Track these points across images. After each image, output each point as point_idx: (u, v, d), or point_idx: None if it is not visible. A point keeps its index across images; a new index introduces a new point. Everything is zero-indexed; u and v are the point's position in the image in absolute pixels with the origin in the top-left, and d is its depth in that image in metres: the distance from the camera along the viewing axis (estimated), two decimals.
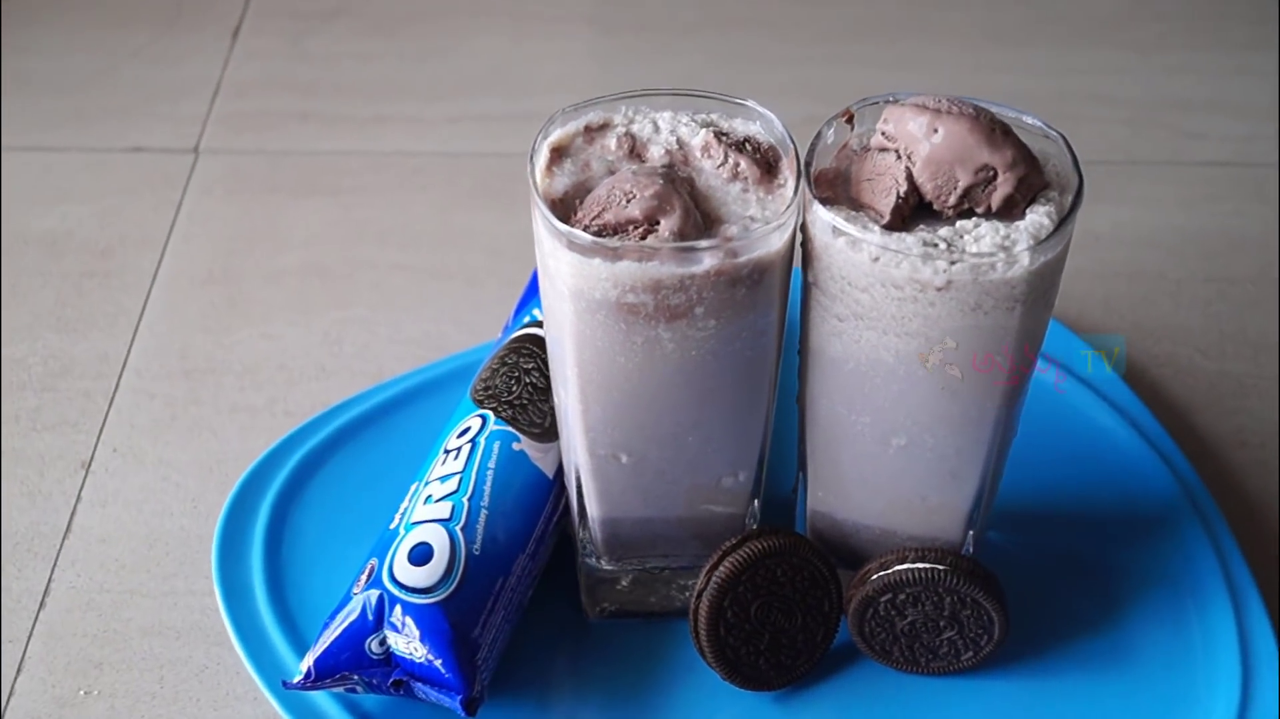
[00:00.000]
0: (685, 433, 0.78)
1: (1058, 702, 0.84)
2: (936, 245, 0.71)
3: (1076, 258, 1.10)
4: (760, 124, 0.77)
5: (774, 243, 0.72)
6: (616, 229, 0.72)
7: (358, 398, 0.98)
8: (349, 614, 0.79)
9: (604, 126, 0.77)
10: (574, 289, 0.72)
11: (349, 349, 1.06)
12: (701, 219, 0.73)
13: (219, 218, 1.18)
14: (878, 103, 0.77)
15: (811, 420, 0.80)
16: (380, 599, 0.78)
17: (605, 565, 0.85)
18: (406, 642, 0.78)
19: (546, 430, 0.87)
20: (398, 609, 0.78)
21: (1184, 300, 1.10)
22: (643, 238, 0.71)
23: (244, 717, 0.84)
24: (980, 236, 0.71)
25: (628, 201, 0.72)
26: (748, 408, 0.79)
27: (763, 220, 0.72)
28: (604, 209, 0.72)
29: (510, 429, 0.86)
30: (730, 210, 0.74)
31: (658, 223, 0.71)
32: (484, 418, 0.87)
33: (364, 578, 0.80)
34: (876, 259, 0.71)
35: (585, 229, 0.71)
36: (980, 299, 0.71)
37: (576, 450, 0.79)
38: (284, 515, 0.92)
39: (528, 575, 0.83)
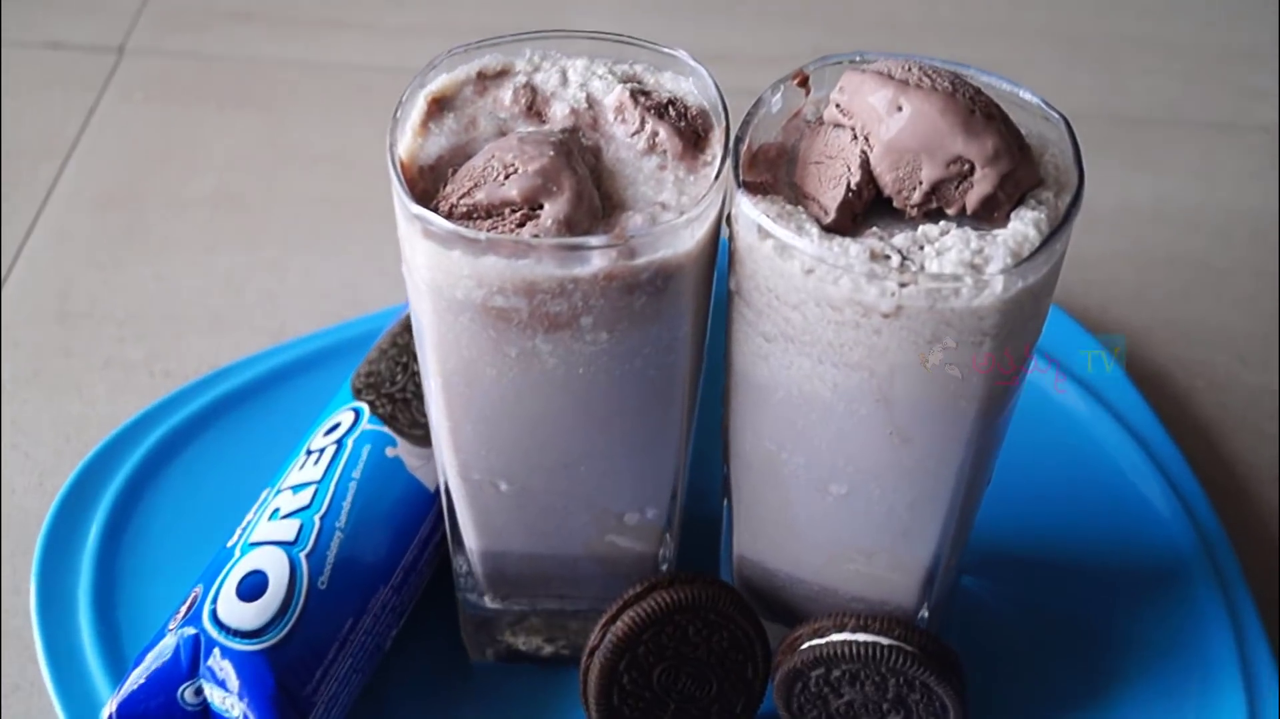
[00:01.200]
0: (576, 462, 0.63)
1: None
2: (887, 258, 0.55)
3: (1106, 238, 0.94)
4: (692, 82, 0.62)
5: (684, 241, 0.57)
6: (490, 211, 0.57)
7: (242, 363, 0.85)
8: (160, 655, 0.65)
9: (501, 74, 0.62)
10: (432, 284, 0.57)
11: (251, 298, 0.92)
12: (600, 203, 0.58)
13: (133, 128, 1.04)
14: (840, 63, 0.61)
15: (736, 454, 0.65)
16: (195, 641, 0.64)
17: (488, 604, 0.70)
18: (224, 696, 0.64)
19: (430, 435, 0.72)
20: (216, 653, 0.64)
21: (1228, 296, 0.93)
22: (520, 224, 0.56)
23: None
24: (945, 249, 0.56)
25: (506, 177, 0.57)
26: (654, 438, 0.64)
27: (675, 209, 0.57)
28: (476, 185, 0.57)
29: (385, 430, 0.71)
30: (639, 192, 0.59)
31: (540, 207, 0.56)
32: (358, 413, 0.72)
33: (184, 610, 0.66)
34: (810, 271, 0.56)
35: (452, 209, 0.56)
36: (938, 331, 0.56)
37: (447, 473, 0.65)
38: (131, 505, 0.78)
39: (390, 613, 0.69)
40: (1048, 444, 0.81)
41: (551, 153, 0.57)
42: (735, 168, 0.58)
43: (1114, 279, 0.93)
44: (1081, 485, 0.80)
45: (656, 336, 0.59)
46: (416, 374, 0.74)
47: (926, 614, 0.69)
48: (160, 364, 0.88)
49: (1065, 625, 0.75)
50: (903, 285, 0.55)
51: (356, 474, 0.70)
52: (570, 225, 0.56)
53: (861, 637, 0.66)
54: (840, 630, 0.66)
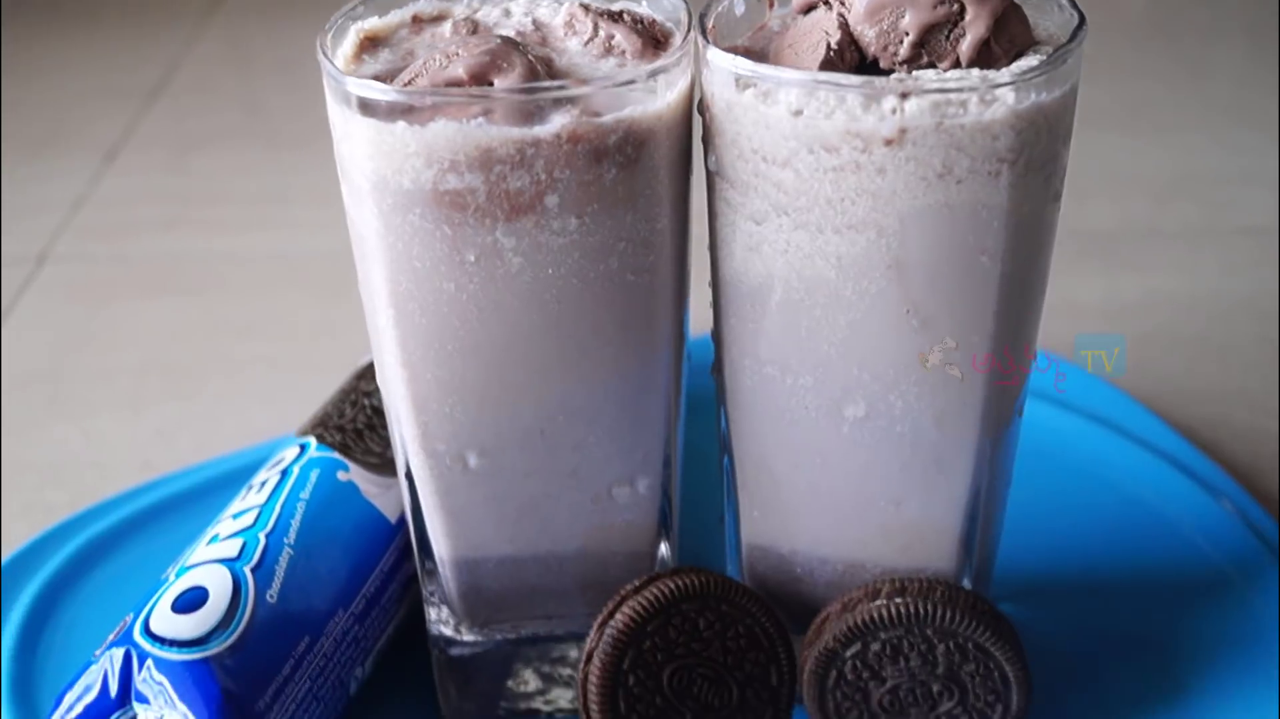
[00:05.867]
0: (553, 412, 0.55)
1: None
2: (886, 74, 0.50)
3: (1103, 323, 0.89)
4: (647, 5, 0.56)
5: (652, 102, 0.51)
6: None
7: (155, 483, 0.76)
8: (85, 689, 0.55)
9: (438, 18, 0.57)
10: (375, 178, 0.51)
11: (185, 444, 0.83)
12: None
13: (54, 321, 0.98)
14: None
15: (733, 395, 0.57)
16: (126, 658, 0.54)
17: (465, 636, 0.61)
18: (160, 713, 0.54)
19: (387, 462, 0.64)
20: (149, 667, 0.54)
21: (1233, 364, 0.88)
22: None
23: None
24: (945, 77, 0.50)
25: (449, 61, 0.51)
26: (640, 374, 0.56)
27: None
28: (418, 75, 0.51)
29: (336, 456, 0.63)
30: None
31: (490, 84, 0.50)
32: (303, 446, 0.64)
33: (111, 637, 0.56)
34: (799, 112, 0.50)
35: None
36: (949, 159, 0.49)
37: (409, 451, 0.56)
38: (47, 610, 0.68)
39: (352, 643, 0.59)
40: (1075, 474, 0.74)
41: (499, 40, 0.52)
42: (704, 32, 0.53)
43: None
44: (1118, 505, 0.72)
45: (633, 228, 0.53)
46: (368, 407, 0.67)
47: (971, 586, 0.60)
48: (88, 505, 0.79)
49: (1120, 636, 0.66)
50: (904, 97, 0.49)
51: (305, 495, 0.61)
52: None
53: (900, 600, 0.57)
54: (874, 599, 0.57)
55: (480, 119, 0.50)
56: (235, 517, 0.60)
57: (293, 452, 0.64)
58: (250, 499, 0.61)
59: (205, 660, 0.54)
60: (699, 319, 0.58)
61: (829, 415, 0.56)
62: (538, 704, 0.63)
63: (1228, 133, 1.19)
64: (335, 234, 1.04)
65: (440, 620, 0.61)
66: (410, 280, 0.53)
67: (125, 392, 0.90)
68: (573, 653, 0.62)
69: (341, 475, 0.63)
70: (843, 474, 0.57)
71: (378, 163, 0.51)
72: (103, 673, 0.55)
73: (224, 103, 1.31)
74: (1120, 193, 1.09)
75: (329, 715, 0.59)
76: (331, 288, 0.98)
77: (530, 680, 0.63)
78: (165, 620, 0.56)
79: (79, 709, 0.55)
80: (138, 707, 0.55)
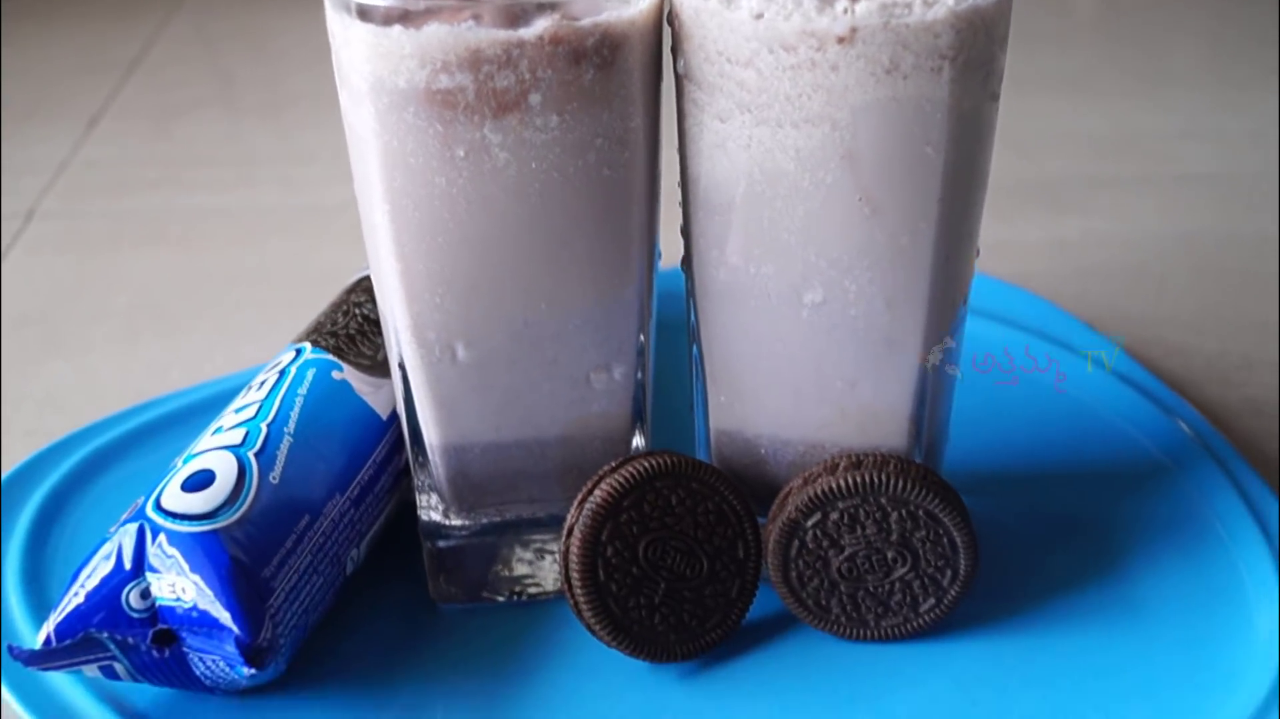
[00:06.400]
0: (535, 300, 0.60)
1: (1050, 670, 0.63)
2: None
3: (1042, 261, 0.95)
4: None
5: (627, 8, 0.56)
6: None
7: (155, 401, 0.80)
8: (101, 560, 0.59)
9: None
10: (373, 80, 0.55)
11: (176, 377, 0.88)
12: None
13: (44, 271, 1.02)
14: None
15: (702, 287, 0.62)
16: (140, 533, 0.59)
17: (453, 521, 0.65)
18: (172, 582, 0.58)
19: (379, 364, 0.68)
20: (161, 539, 0.58)
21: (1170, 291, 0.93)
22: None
23: None
24: None
25: None
26: (615, 261, 0.61)
27: None
28: None
29: (332, 358, 0.67)
30: None
31: None
32: (299, 350, 0.68)
33: (125, 516, 0.61)
34: (760, 15, 0.55)
35: None
36: (896, 56, 0.55)
37: (402, 343, 0.61)
38: (55, 512, 0.72)
39: (349, 526, 0.64)
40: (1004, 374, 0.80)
41: None
42: None
43: (1060, 291, 0.93)
44: (1061, 414, 0.78)
45: (609, 125, 0.57)
46: (360, 316, 0.71)
47: (922, 460, 0.65)
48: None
49: (1065, 520, 0.71)
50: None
51: (302, 391, 0.66)
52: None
53: (857, 473, 0.62)
54: (833, 473, 0.62)
55: (470, 22, 0.54)
56: (237, 411, 0.65)
57: (289, 355, 0.68)
58: (251, 396, 0.66)
59: (215, 532, 0.59)
60: (668, 218, 0.63)
61: (789, 302, 0.60)
62: (520, 587, 0.67)
63: (1165, 94, 1.25)
64: (310, 191, 1.10)
65: (430, 507, 0.66)
66: (405, 176, 0.57)
67: (116, 332, 0.94)
68: (553, 538, 0.66)
69: (336, 375, 0.67)
70: (802, 358, 0.62)
71: (375, 65, 0.55)
72: (117, 547, 0.59)
73: (197, 75, 1.36)
74: (1065, 149, 1.15)
75: (327, 589, 0.63)
76: (309, 237, 1.03)
77: (514, 565, 0.67)
78: (176, 498, 0.60)
79: (95, 582, 0.59)
80: (150, 577, 0.59)
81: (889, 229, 0.58)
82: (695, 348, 0.65)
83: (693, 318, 0.64)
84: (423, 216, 0.58)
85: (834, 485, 0.62)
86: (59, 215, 1.10)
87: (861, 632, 0.64)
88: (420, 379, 0.62)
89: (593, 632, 0.63)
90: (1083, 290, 0.92)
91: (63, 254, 1.04)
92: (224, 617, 0.57)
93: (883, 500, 0.62)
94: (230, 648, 0.57)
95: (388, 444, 0.67)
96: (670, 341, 0.68)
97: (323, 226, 1.06)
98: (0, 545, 0.70)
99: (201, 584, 0.58)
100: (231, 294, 0.99)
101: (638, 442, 0.66)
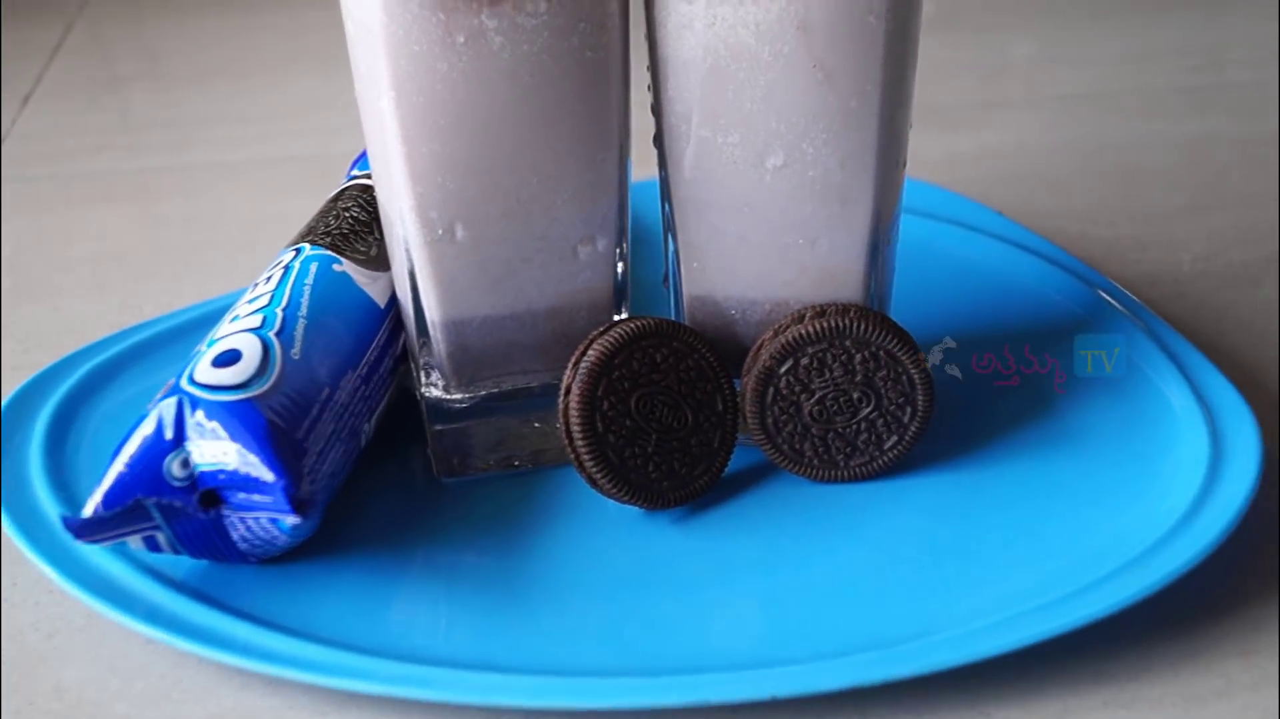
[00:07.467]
0: (527, 176, 0.67)
1: (1006, 494, 0.71)
2: None
3: (941, 173, 1.03)
4: None
5: None
6: None
7: (156, 319, 0.85)
8: (142, 433, 0.64)
9: None
10: None
11: (151, 312, 0.92)
12: None
13: (2, 230, 1.05)
14: None
15: (673, 159, 0.69)
16: (179, 405, 0.64)
17: (453, 394, 0.72)
18: (214, 446, 0.63)
19: (373, 258, 0.74)
20: (200, 413, 0.64)
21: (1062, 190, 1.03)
22: None
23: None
24: None
25: None
26: (597, 136, 0.68)
27: None
28: None
29: (331, 253, 0.73)
30: None
31: None
32: (299, 249, 0.74)
33: (160, 394, 0.66)
34: None
35: None
36: None
37: (406, 223, 0.67)
38: (70, 415, 0.77)
39: (361, 401, 0.70)
40: (936, 259, 0.88)
41: None
42: None
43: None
44: (976, 279, 0.86)
45: (589, 10, 0.64)
46: (350, 218, 0.77)
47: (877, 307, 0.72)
48: None
49: (1008, 374, 0.78)
50: None
51: (309, 281, 0.72)
52: None
53: (822, 320, 0.69)
54: (800, 322, 0.69)
55: None
56: (250, 301, 0.71)
57: (289, 254, 0.74)
58: (259, 290, 0.71)
59: (250, 400, 0.64)
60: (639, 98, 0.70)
61: (754, 167, 0.67)
62: (518, 458, 0.74)
63: (1038, 24, 1.35)
64: (250, 146, 1.15)
65: (431, 383, 0.72)
66: (410, 63, 0.64)
67: (85, 278, 0.99)
68: (547, 410, 0.73)
69: (336, 268, 0.73)
70: (766, 220, 0.69)
71: None
72: (157, 419, 0.64)
73: (121, 54, 1.40)
74: (952, 78, 1.24)
75: (348, 456, 0.69)
76: (257, 187, 1.09)
77: (510, 436, 0.73)
78: (209, 373, 0.65)
79: (135, 452, 0.64)
80: (190, 446, 0.64)
81: (840, 93, 0.65)
82: (670, 218, 0.71)
83: (666, 193, 0.71)
84: (426, 101, 0.64)
85: (803, 333, 0.69)
86: (8, 180, 1.14)
87: (833, 473, 0.71)
88: (423, 258, 0.68)
89: (594, 482, 0.69)
90: (984, 194, 1.00)
91: (17, 214, 1.08)
92: (266, 475, 0.63)
93: (848, 343, 0.69)
94: (279, 498, 0.62)
95: (387, 329, 0.73)
96: (643, 232, 0.74)
97: (269, 178, 1.12)
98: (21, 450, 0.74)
99: (243, 449, 0.63)
100: (190, 238, 1.03)
101: (622, 307, 0.72)
